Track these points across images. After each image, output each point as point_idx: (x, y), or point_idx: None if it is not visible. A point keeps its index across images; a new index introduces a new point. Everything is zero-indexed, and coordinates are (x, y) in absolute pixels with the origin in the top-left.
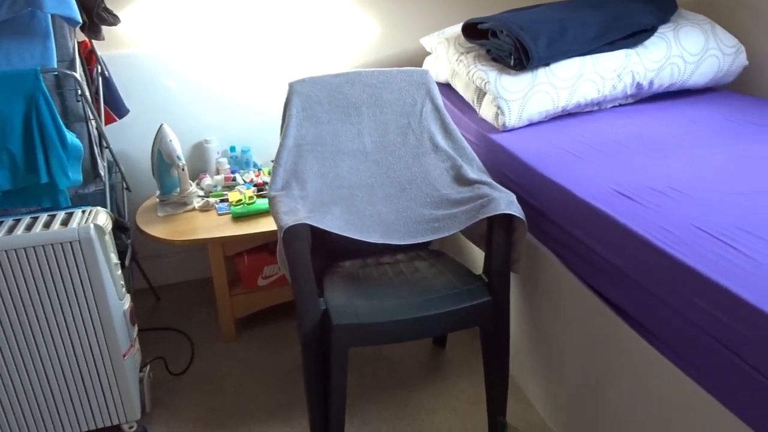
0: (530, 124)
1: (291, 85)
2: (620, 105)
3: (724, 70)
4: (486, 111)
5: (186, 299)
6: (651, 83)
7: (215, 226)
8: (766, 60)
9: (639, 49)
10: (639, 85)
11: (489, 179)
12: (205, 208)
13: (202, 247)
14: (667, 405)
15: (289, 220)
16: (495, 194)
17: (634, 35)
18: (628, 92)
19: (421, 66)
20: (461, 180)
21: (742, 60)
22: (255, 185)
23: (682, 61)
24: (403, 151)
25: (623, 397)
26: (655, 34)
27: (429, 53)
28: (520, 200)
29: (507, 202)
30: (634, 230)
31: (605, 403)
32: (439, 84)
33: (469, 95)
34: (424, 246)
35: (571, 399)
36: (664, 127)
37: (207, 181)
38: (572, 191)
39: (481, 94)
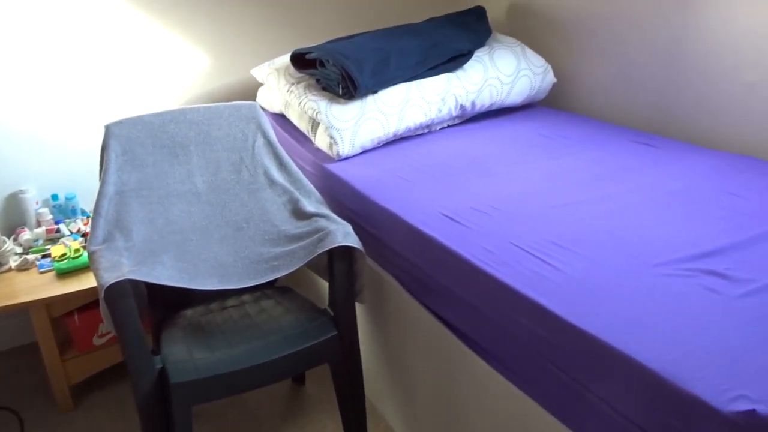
0: (364, 151)
1: (107, 128)
2: (449, 126)
3: (536, 88)
4: (321, 141)
5: (10, 371)
6: (473, 104)
7: (37, 286)
8: (571, 76)
9: (459, 72)
10: (462, 107)
11: (326, 211)
12: (24, 267)
13: (22, 312)
14: (504, 418)
15: (110, 278)
16: (332, 227)
17: (454, 60)
18: (454, 114)
19: (255, 97)
20: (299, 214)
21: (551, 78)
22: (83, 235)
23: (498, 82)
24: (238, 189)
25: (470, 412)
26: (474, 57)
27: (262, 84)
28: (359, 229)
29: (343, 234)
30: (459, 253)
31: (456, 419)
32: (275, 114)
33: (303, 125)
34: (270, 283)
35: (426, 418)
36: (487, 145)
37: (26, 235)
38: (403, 217)
39: (314, 123)
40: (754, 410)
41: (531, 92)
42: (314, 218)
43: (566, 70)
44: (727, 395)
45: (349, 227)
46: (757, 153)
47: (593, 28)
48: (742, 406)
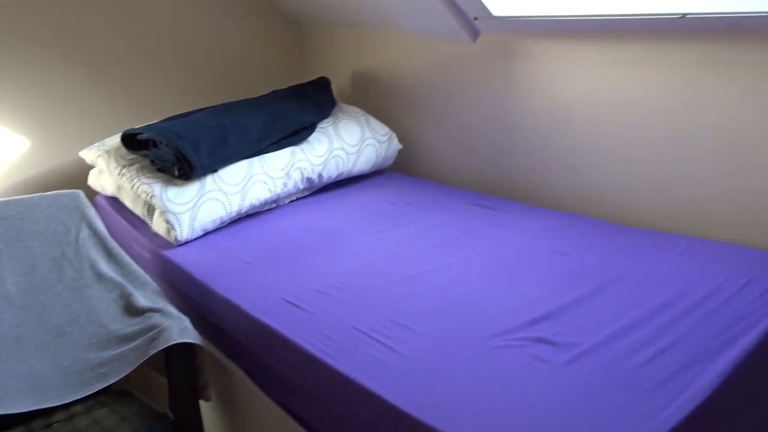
0: (206, 234)
1: None
2: (298, 198)
3: (383, 156)
4: (158, 225)
5: None
6: (320, 176)
7: None
8: (415, 141)
9: (304, 145)
10: (309, 180)
11: (163, 304)
12: None
13: None
14: None
15: None
16: (166, 323)
17: (298, 132)
18: (300, 187)
19: (86, 181)
20: (131, 310)
21: (396, 144)
22: None
23: (344, 153)
24: (60, 287)
25: None
26: (318, 129)
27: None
28: (201, 319)
29: (180, 330)
30: (298, 342)
31: None
32: (108, 198)
33: (138, 209)
34: (105, 389)
35: None
36: (336, 217)
37: None
38: (242, 306)
39: (150, 207)
40: None
41: (378, 160)
42: (148, 314)
43: (410, 135)
44: None
45: (186, 321)
46: (581, 210)
47: (430, 94)
48: None
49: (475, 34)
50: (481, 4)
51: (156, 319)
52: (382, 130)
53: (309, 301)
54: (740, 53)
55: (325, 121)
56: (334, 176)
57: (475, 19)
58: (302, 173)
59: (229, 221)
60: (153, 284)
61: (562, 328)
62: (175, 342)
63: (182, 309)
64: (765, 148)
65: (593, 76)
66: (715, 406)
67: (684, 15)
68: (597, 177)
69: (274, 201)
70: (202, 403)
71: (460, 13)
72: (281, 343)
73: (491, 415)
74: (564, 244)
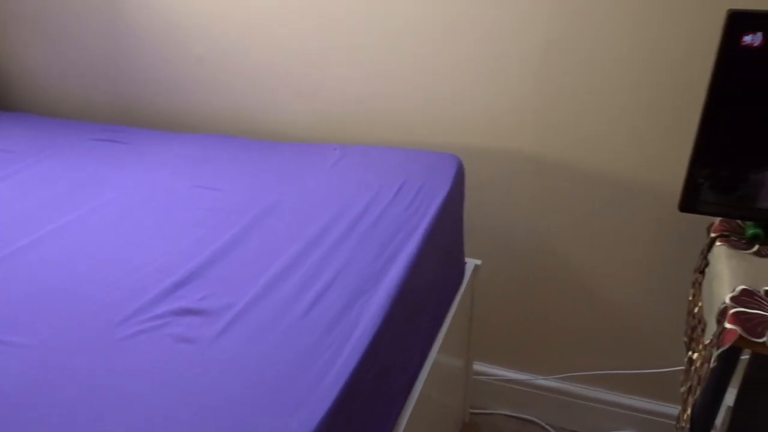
0: None
1: None
2: None
3: None
4: None
5: None
6: None
7: None
8: (13, 69)
9: None
10: None
11: None
12: None
13: None
14: None
15: None
16: None
17: None
18: None
19: None
20: None
21: None
22: None
23: None
24: None
25: None
26: None
27: None
28: None
29: None
30: None
31: None
32: None
33: None
34: None
35: None
36: None
37: None
38: None
39: None
40: None
41: None
42: None
43: (6, 62)
44: None
45: None
46: (220, 129)
47: (34, 11)
48: None
49: None
50: None
51: None
52: None
53: None
54: None
55: None
56: None
57: None
58: None
59: None
60: None
61: (210, 287)
62: None
63: None
64: (395, 48)
65: None
66: (385, 337)
67: None
68: (238, 89)
69: None
70: None
71: None
72: None
73: None
74: (208, 175)
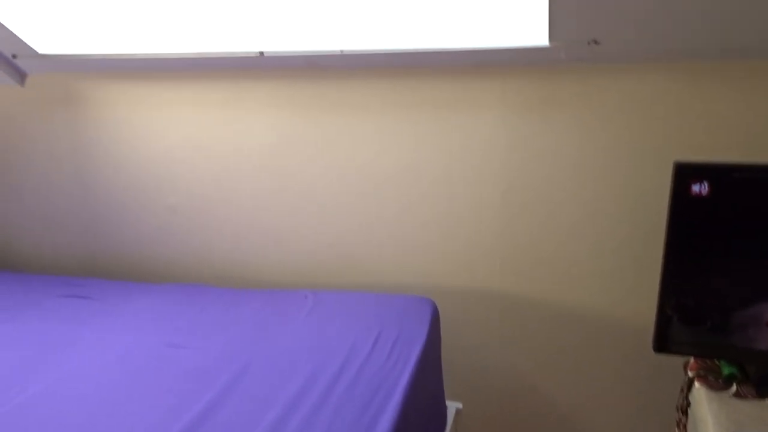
0: None
1: None
2: None
3: None
4: None
5: None
6: None
7: None
8: None
9: None
10: None
11: None
12: None
13: None
14: None
15: None
16: None
17: None
18: None
19: None
20: None
21: None
22: None
23: None
24: None
25: None
26: None
27: None
28: None
29: None
30: None
31: None
32: None
33: None
34: None
35: None
36: None
37: None
38: None
39: None
40: None
41: None
42: None
43: None
44: None
45: None
46: (192, 277)
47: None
48: None
49: (21, 75)
50: (20, 40)
51: None
52: None
53: None
54: (322, 90)
55: None
56: None
57: (14, 57)
58: None
59: None
60: None
61: None
62: None
63: None
64: (352, 192)
65: (184, 122)
66: None
67: (262, 53)
68: (209, 237)
69: None
70: None
71: None
72: None
73: None
74: (180, 331)
